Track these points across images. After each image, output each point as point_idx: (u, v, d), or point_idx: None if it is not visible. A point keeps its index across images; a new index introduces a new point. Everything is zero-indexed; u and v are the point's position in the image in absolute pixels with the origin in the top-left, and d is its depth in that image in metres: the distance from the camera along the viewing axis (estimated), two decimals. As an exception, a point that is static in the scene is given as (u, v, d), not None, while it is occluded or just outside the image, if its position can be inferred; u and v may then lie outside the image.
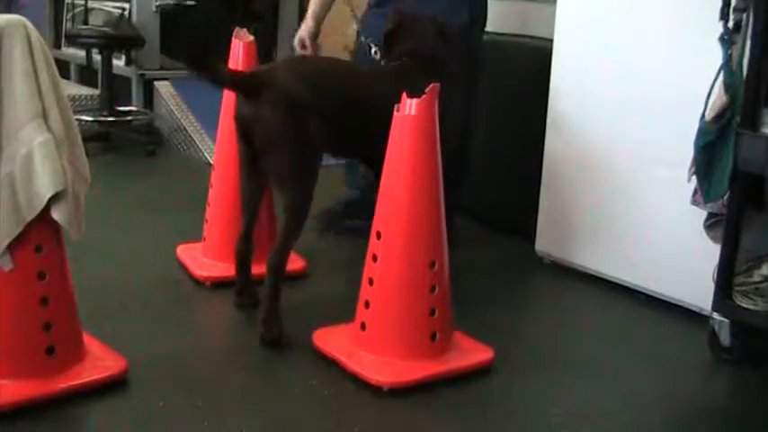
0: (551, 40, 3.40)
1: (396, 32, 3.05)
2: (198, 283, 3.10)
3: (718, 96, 2.60)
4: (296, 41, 3.72)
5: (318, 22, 3.70)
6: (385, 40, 3.07)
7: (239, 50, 3.13)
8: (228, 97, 3.17)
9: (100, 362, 2.35)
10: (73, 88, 5.94)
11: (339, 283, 3.17)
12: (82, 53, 5.67)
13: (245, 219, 2.83)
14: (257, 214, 2.85)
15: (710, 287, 2.70)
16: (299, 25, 3.84)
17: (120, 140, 5.23)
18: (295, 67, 2.81)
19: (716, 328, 2.70)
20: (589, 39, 3.28)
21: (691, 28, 2.88)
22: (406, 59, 2.98)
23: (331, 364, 2.50)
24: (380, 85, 2.81)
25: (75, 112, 4.77)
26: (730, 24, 2.55)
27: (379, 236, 2.45)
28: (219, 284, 3.07)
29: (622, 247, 3.23)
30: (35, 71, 2.13)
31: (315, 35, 3.71)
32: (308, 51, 3.67)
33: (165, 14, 5.65)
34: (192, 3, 5.80)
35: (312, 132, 2.60)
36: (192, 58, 2.57)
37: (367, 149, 2.84)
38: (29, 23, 2.14)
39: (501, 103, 3.85)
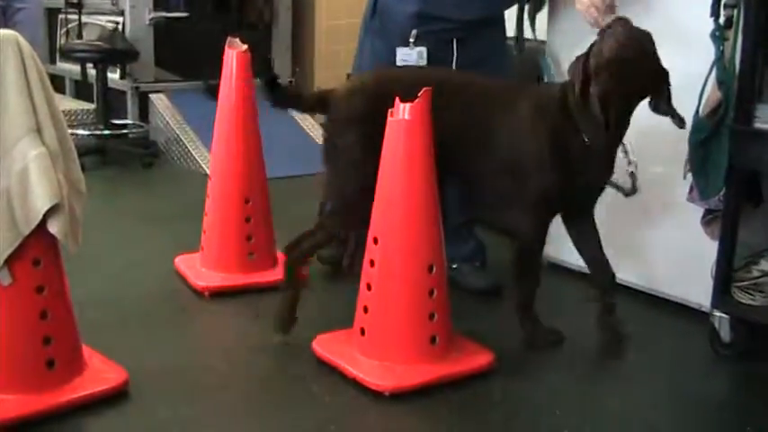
0: (544, 42, 3.40)
1: None
2: (197, 293, 3.10)
3: (713, 92, 2.61)
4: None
5: None
6: None
7: (232, 59, 3.13)
8: (222, 107, 3.18)
9: (100, 374, 2.36)
10: (68, 103, 5.94)
11: (338, 289, 3.17)
12: (77, 68, 5.67)
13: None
14: None
15: (710, 284, 2.70)
16: (293, 34, 3.63)
17: (116, 154, 5.23)
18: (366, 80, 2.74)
19: (716, 324, 2.70)
20: (581, 39, 3.27)
21: (683, 25, 2.88)
22: None
23: (331, 370, 2.50)
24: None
25: (72, 127, 4.79)
26: (722, 21, 2.56)
27: (376, 241, 2.45)
28: (218, 294, 3.07)
29: (620, 245, 3.22)
30: (28, 86, 2.13)
31: None
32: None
33: (159, 27, 5.66)
34: (185, 14, 5.81)
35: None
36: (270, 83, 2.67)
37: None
38: (21, 39, 2.15)
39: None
